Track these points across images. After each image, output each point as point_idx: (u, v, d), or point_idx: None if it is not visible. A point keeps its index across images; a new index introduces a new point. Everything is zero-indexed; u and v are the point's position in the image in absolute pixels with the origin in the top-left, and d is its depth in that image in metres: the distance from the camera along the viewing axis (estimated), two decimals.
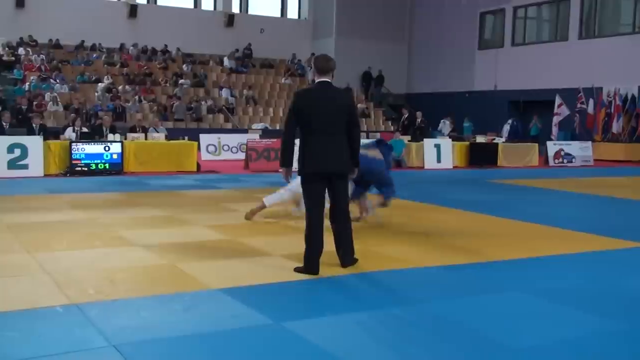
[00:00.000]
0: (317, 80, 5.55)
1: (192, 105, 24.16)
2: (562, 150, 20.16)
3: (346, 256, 5.62)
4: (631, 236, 7.48)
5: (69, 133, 15.12)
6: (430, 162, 17.65)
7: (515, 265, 6.03)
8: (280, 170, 5.79)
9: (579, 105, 23.19)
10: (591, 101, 23.14)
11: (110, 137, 14.65)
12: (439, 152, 17.89)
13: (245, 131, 21.54)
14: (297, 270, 5.49)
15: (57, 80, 24.03)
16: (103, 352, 3.62)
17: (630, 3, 23.97)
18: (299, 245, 6.56)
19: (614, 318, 4.44)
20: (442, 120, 24.44)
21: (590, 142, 21.15)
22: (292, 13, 32.47)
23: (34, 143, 13.41)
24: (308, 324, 4.16)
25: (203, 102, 25.16)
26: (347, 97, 5.67)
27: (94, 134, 14.90)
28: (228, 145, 18.97)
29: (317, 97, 5.47)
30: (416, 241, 7.04)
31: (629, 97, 22.70)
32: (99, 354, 3.59)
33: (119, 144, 14.09)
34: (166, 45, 28.65)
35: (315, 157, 5.38)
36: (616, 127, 22.55)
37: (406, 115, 22.94)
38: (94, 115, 20.99)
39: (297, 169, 5.56)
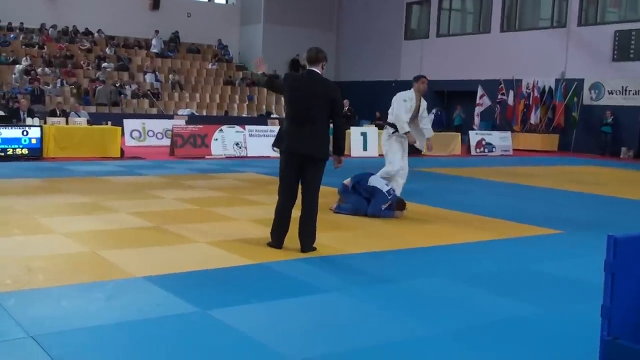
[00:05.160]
0: (307, 69, 5.81)
1: (110, 89, 23.45)
2: (484, 140, 20.77)
3: (305, 244, 5.81)
4: (547, 223, 7.81)
5: None
6: (356, 150, 17.84)
7: (438, 252, 6.19)
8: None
9: (499, 97, 23.93)
10: (511, 92, 23.90)
11: (29, 121, 14.12)
12: (365, 140, 18.12)
13: (171, 117, 21.16)
14: (268, 244, 5.91)
15: None
16: (21, 343, 3.51)
17: None
18: (225, 232, 6.55)
19: (529, 302, 4.64)
20: None
21: (509, 133, 21.88)
22: None
23: None
24: (234, 311, 4.16)
25: (127, 87, 24.56)
26: (332, 88, 5.79)
27: (11, 118, 14.32)
28: (153, 131, 18.60)
29: (302, 84, 5.76)
30: (340, 229, 7.13)
31: (547, 89, 23.58)
32: (16, 346, 3.48)
33: (38, 129, 13.59)
34: (87, 28, 27.74)
35: (289, 139, 5.71)
36: (534, 118, 23.38)
37: None
38: (12, 98, 20.15)
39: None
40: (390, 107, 8.77)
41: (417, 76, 8.90)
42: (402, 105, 8.56)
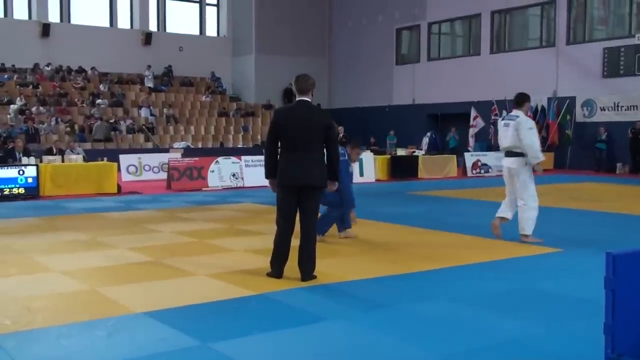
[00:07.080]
0: (297, 99, 5.85)
1: (104, 125, 23.57)
2: (479, 160, 20.83)
3: (306, 273, 5.79)
4: (545, 242, 7.79)
5: None
6: (353, 176, 17.81)
7: (439, 275, 6.17)
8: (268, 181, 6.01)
9: (493, 117, 24.03)
10: (504, 113, 23.99)
11: (25, 160, 14.14)
12: (362, 166, 18.13)
13: (167, 150, 21.23)
14: (267, 274, 5.89)
15: None
16: None
17: (537, 18, 25.10)
18: (224, 263, 6.53)
19: (532, 322, 4.61)
20: None
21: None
22: (211, 30, 32.30)
23: None
24: (236, 343, 4.14)
25: (122, 122, 24.67)
26: (324, 116, 5.88)
27: (7, 158, 14.34)
28: (149, 165, 18.63)
29: (294, 115, 5.76)
30: (339, 255, 7.11)
31: (539, 108, 23.71)
32: None
33: (34, 168, 13.60)
34: (81, 67, 27.93)
35: (286, 171, 5.69)
36: None
37: None
38: (7, 138, 20.20)
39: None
40: (512, 135, 7.84)
41: (526, 95, 8.05)
42: (532, 133, 7.82)
